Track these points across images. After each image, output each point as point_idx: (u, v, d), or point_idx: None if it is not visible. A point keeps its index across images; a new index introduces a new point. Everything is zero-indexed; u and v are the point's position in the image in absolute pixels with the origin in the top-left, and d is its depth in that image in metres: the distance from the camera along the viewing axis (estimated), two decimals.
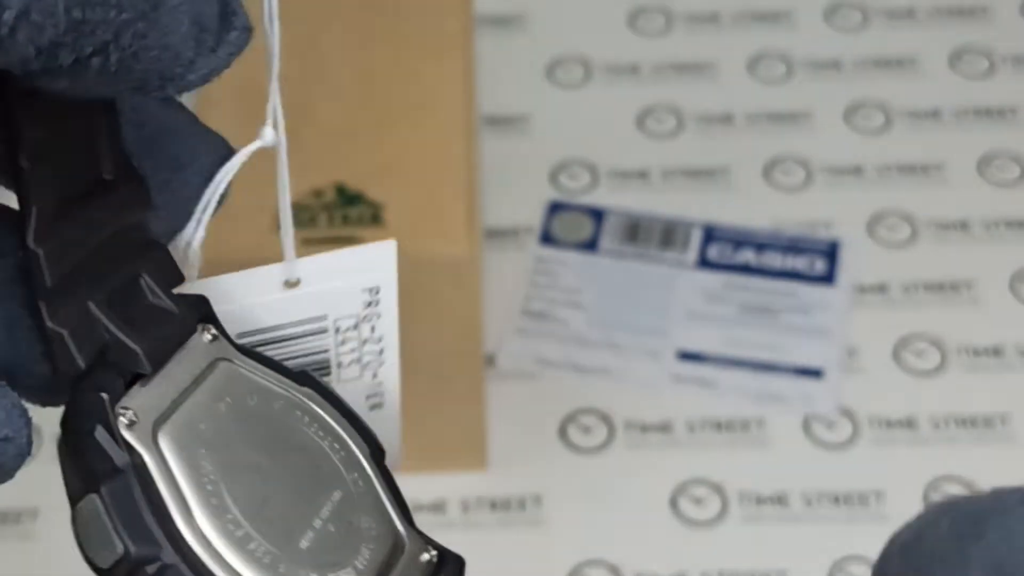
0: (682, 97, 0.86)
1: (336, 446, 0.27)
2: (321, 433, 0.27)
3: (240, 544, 0.25)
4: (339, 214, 0.65)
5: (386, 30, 0.73)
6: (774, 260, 0.77)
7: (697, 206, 0.80)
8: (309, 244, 0.63)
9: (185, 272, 0.28)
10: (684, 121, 0.85)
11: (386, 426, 0.31)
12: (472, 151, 0.71)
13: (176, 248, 0.28)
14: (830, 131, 0.84)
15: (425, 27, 0.74)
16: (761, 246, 0.78)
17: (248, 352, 0.28)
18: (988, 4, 0.90)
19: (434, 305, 0.64)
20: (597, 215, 0.79)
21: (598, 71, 0.87)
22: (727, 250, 0.78)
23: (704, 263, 0.77)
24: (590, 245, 0.78)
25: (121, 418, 0.25)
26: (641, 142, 0.84)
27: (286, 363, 0.28)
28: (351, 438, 0.28)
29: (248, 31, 0.25)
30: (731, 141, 0.84)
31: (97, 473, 0.24)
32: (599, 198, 0.81)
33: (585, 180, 0.82)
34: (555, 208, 0.79)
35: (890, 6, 0.90)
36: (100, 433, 0.24)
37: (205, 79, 0.25)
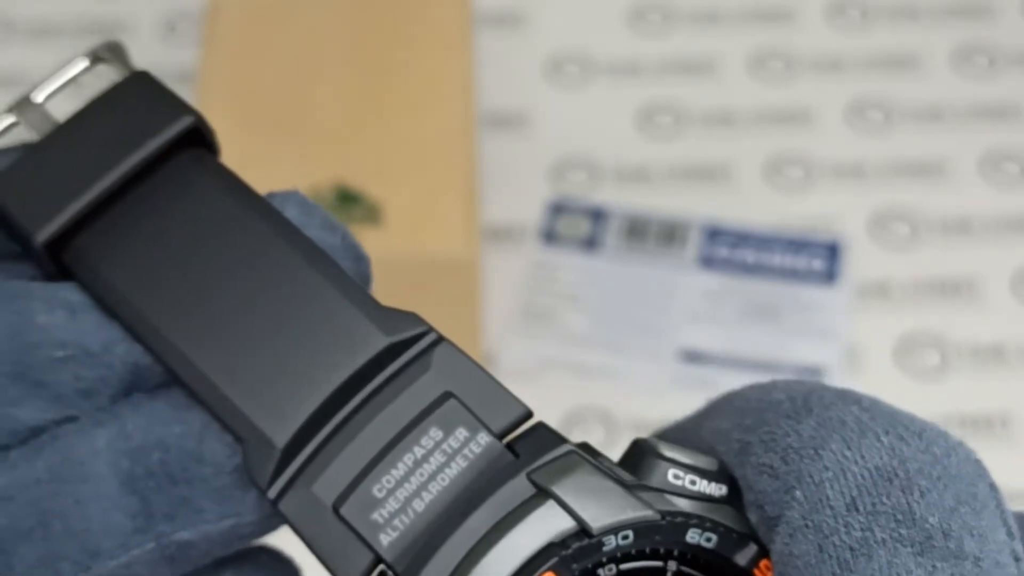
0: (682, 97, 0.86)
1: None
2: None
3: None
4: (338, 213, 0.65)
5: (386, 29, 0.73)
6: (775, 259, 0.77)
7: (697, 205, 0.80)
8: None
9: None
10: (684, 121, 0.85)
11: None
12: (472, 150, 0.71)
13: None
14: (831, 130, 0.84)
15: (425, 26, 0.74)
16: (762, 245, 0.78)
17: None
18: (990, 3, 0.90)
19: (434, 305, 0.64)
20: (597, 215, 0.79)
21: (598, 71, 0.87)
22: (728, 249, 0.78)
23: (705, 263, 0.77)
24: (590, 245, 0.78)
25: None
26: (641, 141, 0.84)
27: None
28: None
29: None
30: (731, 140, 0.84)
31: None
32: (599, 198, 0.81)
33: (585, 180, 0.82)
34: (555, 208, 0.79)
35: (891, 5, 0.90)
36: None
37: None
